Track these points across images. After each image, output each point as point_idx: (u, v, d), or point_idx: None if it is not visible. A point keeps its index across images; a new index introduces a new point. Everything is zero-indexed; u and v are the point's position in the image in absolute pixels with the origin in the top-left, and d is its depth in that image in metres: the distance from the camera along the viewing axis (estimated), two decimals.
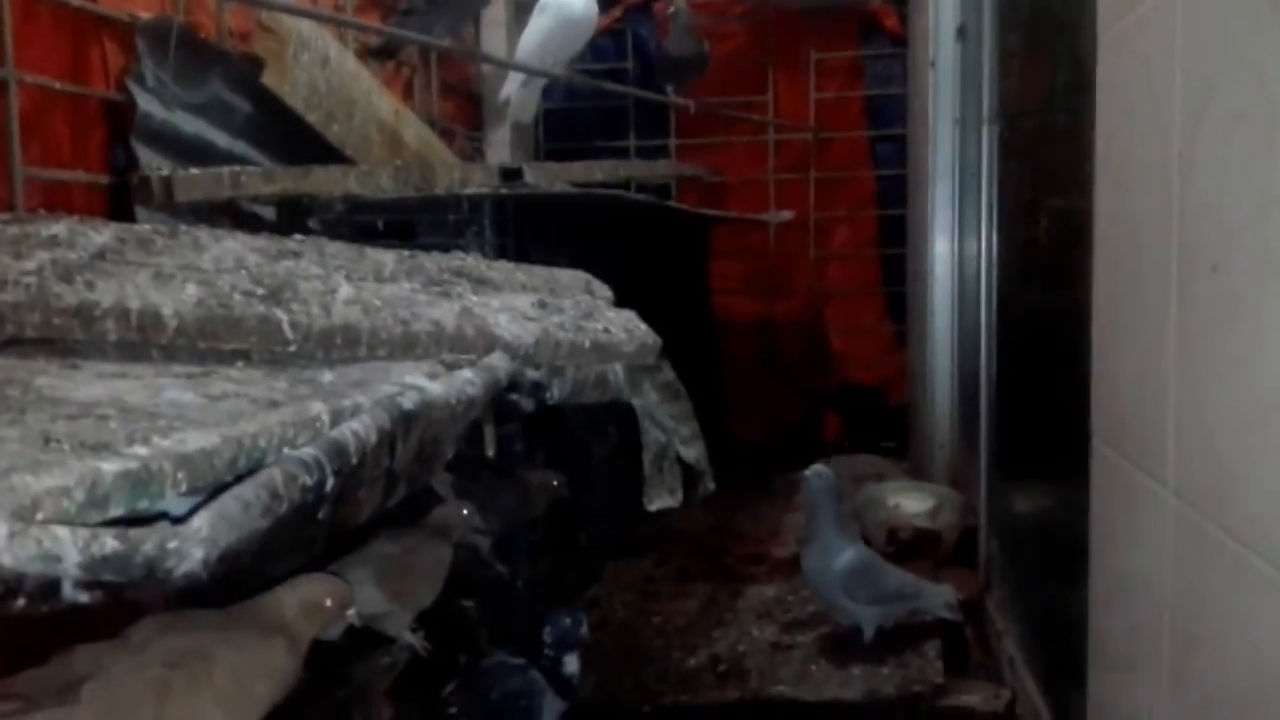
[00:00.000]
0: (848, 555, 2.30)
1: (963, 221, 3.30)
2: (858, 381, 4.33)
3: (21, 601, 0.65)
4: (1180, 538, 1.04)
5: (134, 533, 0.67)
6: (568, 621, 1.89)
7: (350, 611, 1.32)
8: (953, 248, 3.44)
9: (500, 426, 2.32)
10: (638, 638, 2.61)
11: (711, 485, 2.10)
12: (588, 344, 1.50)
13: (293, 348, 1.29)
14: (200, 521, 0.71)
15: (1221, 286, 0.93)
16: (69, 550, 0.62)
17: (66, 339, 1.17)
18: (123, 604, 1.30)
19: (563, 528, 2.73)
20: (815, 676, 2.26)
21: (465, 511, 2.08)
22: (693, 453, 2.03)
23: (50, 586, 0.66)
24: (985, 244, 2.81)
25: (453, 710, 1.86)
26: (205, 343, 1.24)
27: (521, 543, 2.42)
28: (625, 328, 1.57)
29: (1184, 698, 1.07)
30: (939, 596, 2.39)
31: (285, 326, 1.27)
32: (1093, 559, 1.45)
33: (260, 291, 1.31)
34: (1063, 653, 1.90)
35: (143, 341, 1.22)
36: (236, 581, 1.24)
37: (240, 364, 1.25)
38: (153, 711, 1.09)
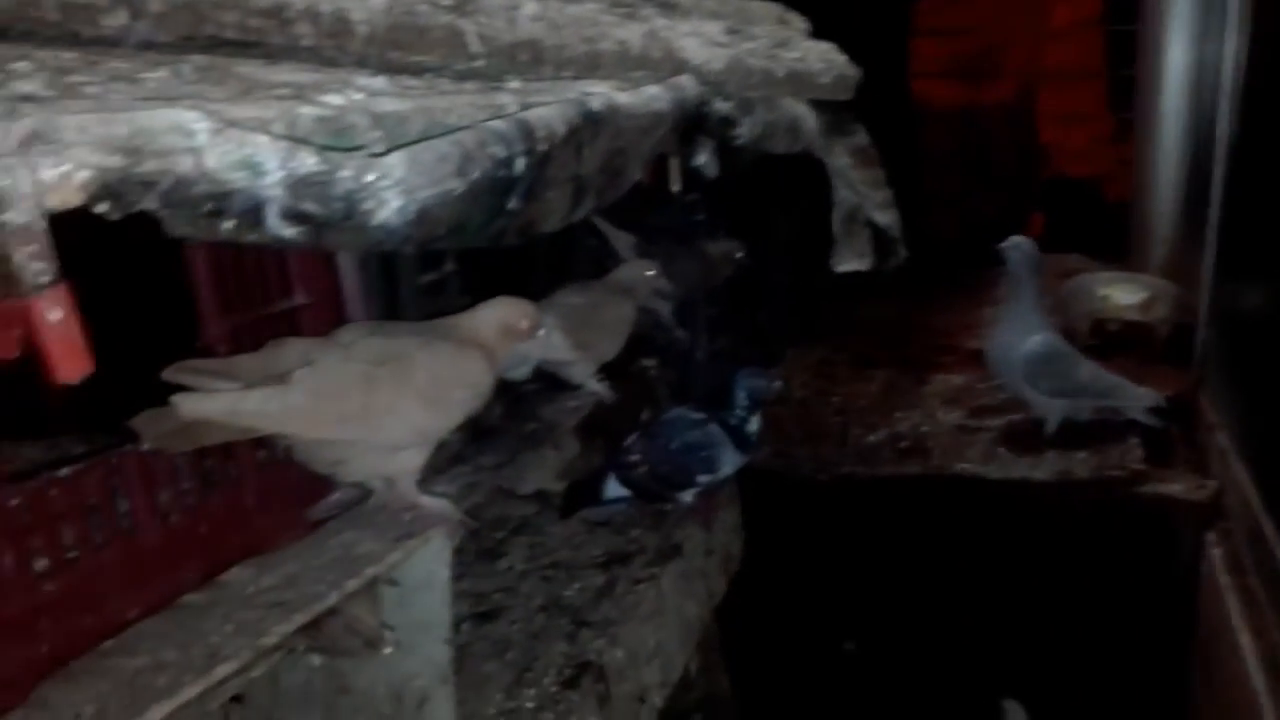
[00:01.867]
0: (1035, 340, 2.16)
1: None
2: (1069, 175, 3.99)
3: (230, 223, 0.67)
4: None
5: (332, 154, 0.66)
6: (758, 381, 1.86)
7: (540, 332, 1.34)
8: (1193, 21, 3.03)
9: (685, 193, 2.26)
10: (815, 415, 2.60)
11: (904, 253, 2.00)
12: (781, 73, 1.41)
13: (478, 62, 1.26)
14: (396, 160, 0.71)
15: None
16: (270, 160, 0.62)
17: (264, 43, 1.19)
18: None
19: (743, 304, 2.70)
20: (1002, 457, 2.19)
21: (649, 272, 2.08)
22: (885, 218, 1.93)
23: (255, 209, 0.67)
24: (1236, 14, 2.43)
25: (634, 457, 1.91)
26: (393, 52, 1.23)
27: (701, 311, 2.41)
28: (822, 58, 1.46)
29: None
30: (1140, 399, 2.22)
31: (471, 38, 1.24)
32: None
33: (446, 2, 1.27)
34: None
35: (334, 48, 1.21)
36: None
37: (428, 76, 1.23)
38: (360, 401, 1.15)
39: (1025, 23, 3.90)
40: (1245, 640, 1.69)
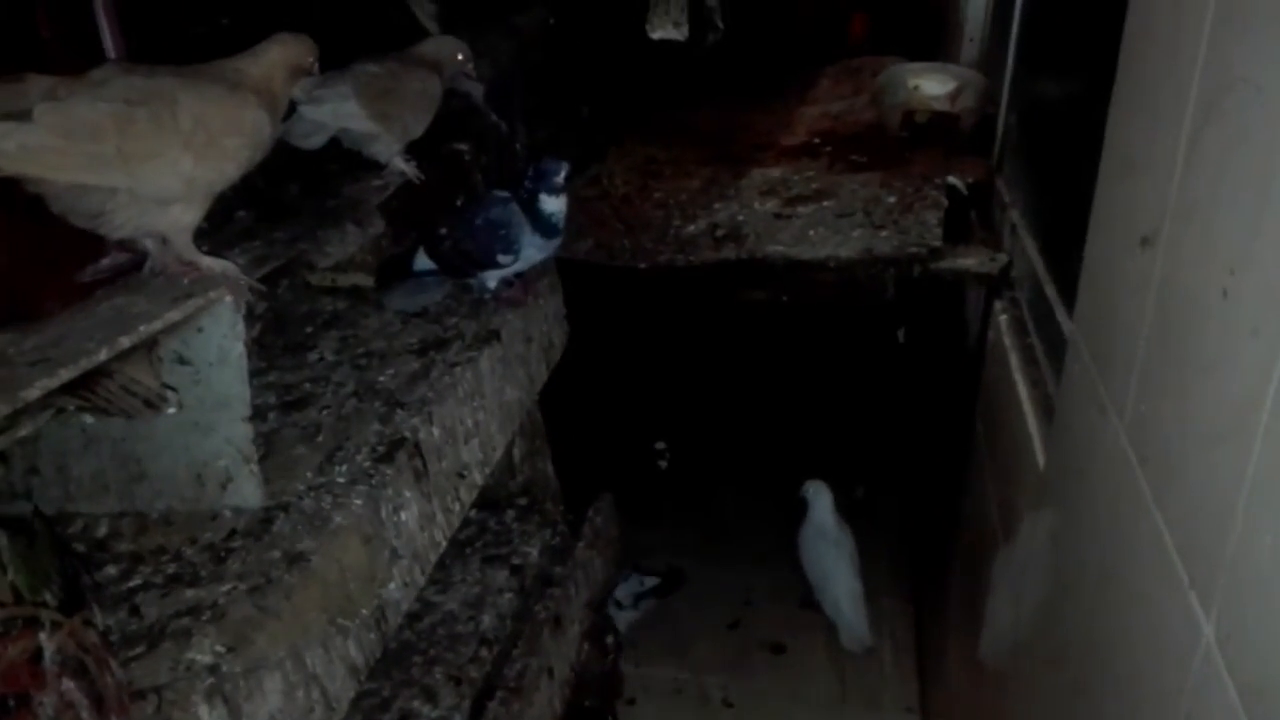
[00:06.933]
0: None
1: None
2: None
3: None
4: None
5: None
6: (549, 164, 1.83)
7: (313, 63, 1.24)
8: None
9: None
10: (637, 209, 2.59)
11: (721, 26, 1.97)
12: None
13: None
14: None
15: None
16: None
17: None
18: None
19: (563, 95, 2.61)
20: (813, 239, 2.25)
21: (459, 55, 1.96)
22: None
23: None
24: None
25: (443, 231, 1.87)
26: None
27: (517, 95, 2.32)
28: None
29: (1192, 185, 1.01)
30: None
31: None
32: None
33: None
34: (1067, 217, 1.86)
35: None
36: None
37: None
38: (115, 144, 1.04)
39: None
40: (1023, 392, 1.84)
